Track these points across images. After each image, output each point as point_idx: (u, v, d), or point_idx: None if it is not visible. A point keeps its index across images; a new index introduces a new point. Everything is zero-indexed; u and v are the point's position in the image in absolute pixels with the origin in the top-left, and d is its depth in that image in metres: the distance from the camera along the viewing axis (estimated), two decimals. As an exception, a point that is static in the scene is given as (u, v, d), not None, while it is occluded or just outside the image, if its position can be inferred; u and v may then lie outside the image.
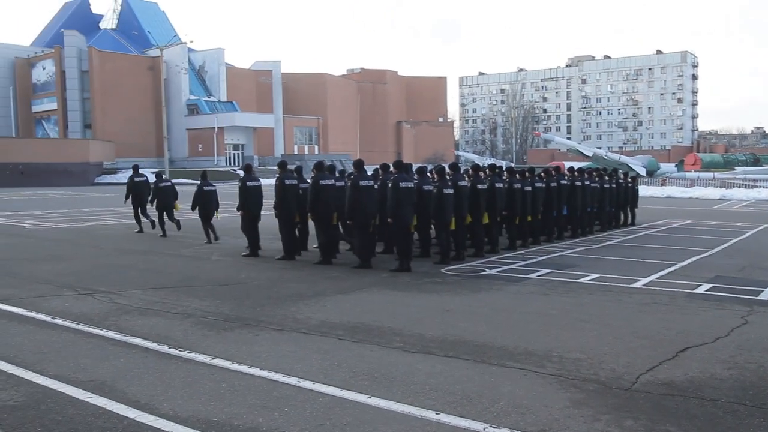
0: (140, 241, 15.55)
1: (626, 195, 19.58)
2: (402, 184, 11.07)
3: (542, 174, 15.72)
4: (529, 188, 14.38)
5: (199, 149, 75.60)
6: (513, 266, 11.60)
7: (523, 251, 13.61)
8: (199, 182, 15.50)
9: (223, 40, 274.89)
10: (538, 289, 9.45)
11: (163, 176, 18.12)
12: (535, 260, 12.37)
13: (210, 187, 15.38)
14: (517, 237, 14.19)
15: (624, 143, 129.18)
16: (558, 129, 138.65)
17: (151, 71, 74.60)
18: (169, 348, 6.23)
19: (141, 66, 75.99)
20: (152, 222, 17.13)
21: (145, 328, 6.99)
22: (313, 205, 12.00)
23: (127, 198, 17.89)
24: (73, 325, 7.13)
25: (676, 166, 68.01)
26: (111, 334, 6.76)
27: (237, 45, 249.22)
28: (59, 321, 7.34)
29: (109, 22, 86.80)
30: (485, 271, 11.09)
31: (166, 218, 16.78)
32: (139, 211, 17.71)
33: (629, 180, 20.22)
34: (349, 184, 11.68)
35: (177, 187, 17.32)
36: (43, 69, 76.92)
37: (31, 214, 24.27)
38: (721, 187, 42.77)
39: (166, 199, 16.77)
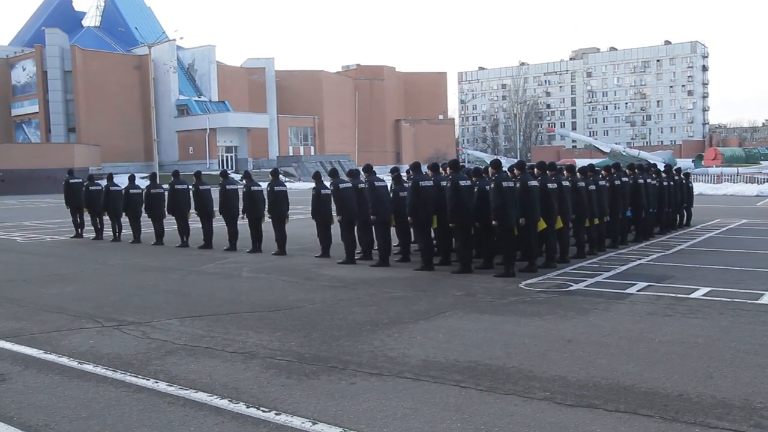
0: (151, 256, 14.18)
1: (683, 193, 18.36)
2: (505, 184, 10.66)
3: (603, 172, 14.53)
4: (593, 187, 13.18)
5: (191, 152, 73.86)
6: (598, 279, 10.32)
7: (595, 260, 12.37)
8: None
9: (213, 37, 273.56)
10: (654, 308, 8.15)
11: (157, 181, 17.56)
12: (617, 271, 11.09)
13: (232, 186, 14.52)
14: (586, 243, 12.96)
15: (632, 138, 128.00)
16: (563, 125, 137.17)
17: (138, 70, 72.90)
18: (248, 407, 4.88)
19: (127, 65, 74.27)
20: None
21: (202, 376, 5.64)
22: (414, 208, 11.53)
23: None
24: (110, 373, 5.77)
25: (693, 161, 67.08)
26: (162, 386, 5.41)
27: (228, 42, 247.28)
28: (90, 367, 5.97)
29: (92, 20, 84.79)
30: (571, 285, 9.79)
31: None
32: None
33: (683, 176, 19.00)
34: (449, 184, 11.16)
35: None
36: (23, 70, 74.96)
37: (20, 225, 22.85)
38: (750, 182, 41.84)
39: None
